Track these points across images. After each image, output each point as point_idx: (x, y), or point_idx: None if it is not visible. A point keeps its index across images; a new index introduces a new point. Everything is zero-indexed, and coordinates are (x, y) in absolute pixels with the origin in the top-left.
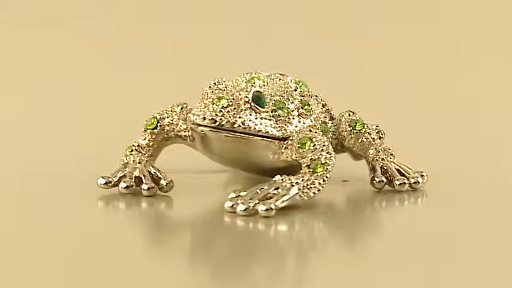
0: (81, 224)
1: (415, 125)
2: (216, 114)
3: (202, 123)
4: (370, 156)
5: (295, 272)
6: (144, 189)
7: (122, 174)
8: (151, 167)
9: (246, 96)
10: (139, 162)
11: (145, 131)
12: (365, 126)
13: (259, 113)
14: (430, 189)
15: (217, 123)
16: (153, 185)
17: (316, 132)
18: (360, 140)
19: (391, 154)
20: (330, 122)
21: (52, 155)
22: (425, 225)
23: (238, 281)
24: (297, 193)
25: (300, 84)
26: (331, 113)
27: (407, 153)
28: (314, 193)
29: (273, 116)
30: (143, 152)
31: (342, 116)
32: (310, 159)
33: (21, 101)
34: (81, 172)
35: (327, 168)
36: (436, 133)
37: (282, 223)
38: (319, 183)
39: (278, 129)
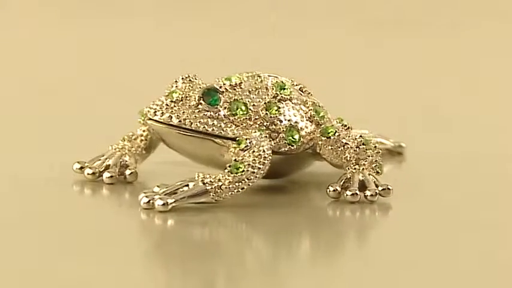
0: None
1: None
2: (160, 108)
3: (149, 116)
4: (344, 164)
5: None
6: (106, 177)
7: (98, 161)
8: (128, 156)
9: (194, 93)
10: (118, 151)
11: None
12: (336, 134)
13: (208, 111)
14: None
15: (157, 117)
16: (114, 174)
17: (260, 134)
18: (328, 147)
19: (377, 166)
20: (311, 128)
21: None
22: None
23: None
24: (205, 192)
25: (280, 86)
26: (317, 120)
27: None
28: (229, 194)
29: (226, 116)
30: (134, 142)
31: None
32: (234, 159)
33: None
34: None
35: (250, 171)
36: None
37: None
38: (236, 185)
39: (225, 128)
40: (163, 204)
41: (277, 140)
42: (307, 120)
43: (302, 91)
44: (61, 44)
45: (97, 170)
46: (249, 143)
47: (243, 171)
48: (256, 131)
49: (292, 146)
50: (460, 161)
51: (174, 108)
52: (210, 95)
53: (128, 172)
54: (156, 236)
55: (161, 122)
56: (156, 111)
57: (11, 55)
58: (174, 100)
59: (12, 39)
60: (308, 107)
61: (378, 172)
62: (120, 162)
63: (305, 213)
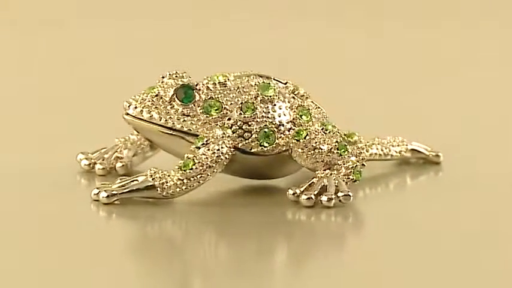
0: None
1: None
2: (135, 102)
3: (125, 110)
4: (316, 168)
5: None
6: (97, 169)
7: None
8: (127, 150)
9: (170, 90)
10: (121, 143)
11: None
12: (306, 137)
13: (181, 108)
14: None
15: (130, 111)
16: (105, 166)
17: (224, 133)
18: (299, 150)
19: (353, 172)
20: (292, 131)
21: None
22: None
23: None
24: (152, 187)
25: (263, 87)
26: (300, 123)
27: None
28: (178, 191)
29: (198, 114)
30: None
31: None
32: (187, 156)
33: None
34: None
35: (199, 169)
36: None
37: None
38: (184, 182)
39: (193, 125)
40: (107, 196)
41: (249, 140)
42: (288, 122)
43: (294, 93)
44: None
45: (92, 161)
46: (205, 141)
47: (191, 169)
48: (220, 129)
49: (265, 147)
50: (499, 174)
51: (148, 103)
52: (183, 92)
53: (118, 165)
54: (100, 230)
55: (134, 116)
56: (130, 105)
57: (17, 51)
58: (150, 95)
59: (17, 33)
60: (293, 109)
61: (353, 180)
62: (116, 154)
63: (259, 214)
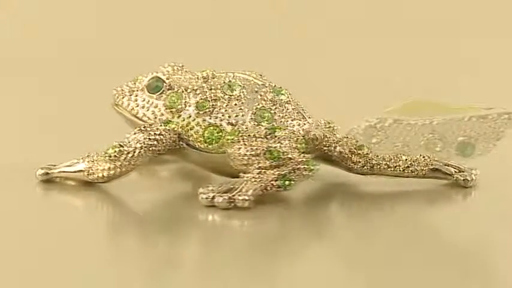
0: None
1: None
2: (118, 89)
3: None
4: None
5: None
6: None
7: None
8: None
9: (145, 80)
10: None
11: None
12: (235, 139)
13: (147, 98)
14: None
15: (114, 98)
16: None
17: (162, 125)
18: (229, 151)
19: (280, 180)
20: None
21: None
22: None
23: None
24: (81, 170)
25: (229, 87)
26: (255, 124)
27: None
28: (100, 176)
29: (160, 105)
30: None
31: None
32: (113, 144)
33: None
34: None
35: (118, 156)
36: None
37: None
38: (108, 167)
39: (153, 115)
40: (42, 174)
41: (197, 136)
42: (243, 124)
43: (268, 96)
44: None
45: None
46: (137, 130)
47: (110, 156)
48: (160, 122)
49: (210, 145)
50: None
51: (125, 90)
52: (152, 83)
53: None
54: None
55: (116, 104)
56: (114, 92)
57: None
58: (131, 83)
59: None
60: (252, 111)
61: (278, 186)
62: None
63: (176, 211)
